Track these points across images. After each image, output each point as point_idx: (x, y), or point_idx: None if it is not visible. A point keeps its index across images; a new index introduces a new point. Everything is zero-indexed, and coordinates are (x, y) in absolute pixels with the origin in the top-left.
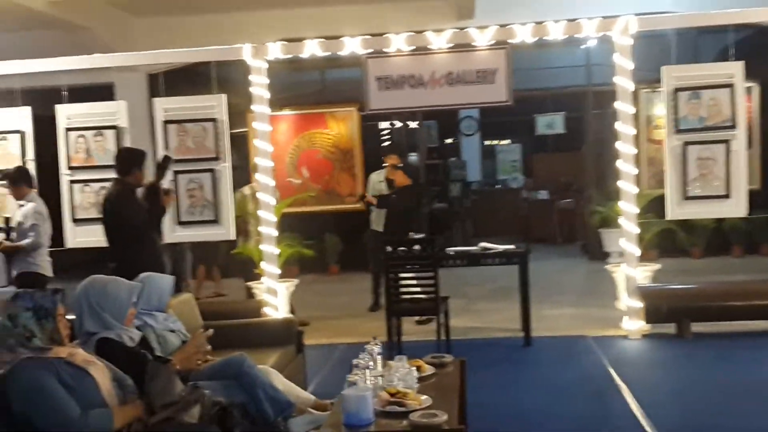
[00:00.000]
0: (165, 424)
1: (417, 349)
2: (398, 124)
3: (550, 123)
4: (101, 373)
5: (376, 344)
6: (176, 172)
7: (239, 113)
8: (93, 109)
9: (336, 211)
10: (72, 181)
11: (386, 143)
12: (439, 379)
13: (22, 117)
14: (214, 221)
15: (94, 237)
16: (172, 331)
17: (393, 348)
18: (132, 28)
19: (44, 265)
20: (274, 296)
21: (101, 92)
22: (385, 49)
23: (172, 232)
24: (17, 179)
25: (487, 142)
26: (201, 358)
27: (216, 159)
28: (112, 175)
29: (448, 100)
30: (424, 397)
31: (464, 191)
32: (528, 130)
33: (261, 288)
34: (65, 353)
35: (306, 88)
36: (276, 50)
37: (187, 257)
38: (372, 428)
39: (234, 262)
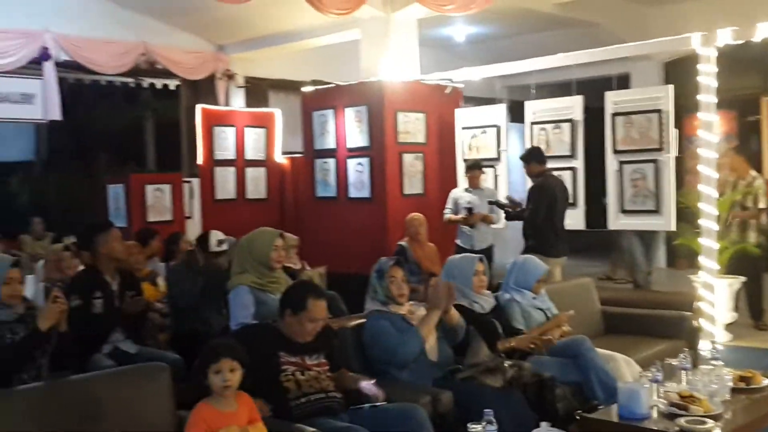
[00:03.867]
0: (468, 382)
1: None
2: None
3: None
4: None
5: (684, 358)
6: (621, 162)
7: (752, 100)
8: (553, 104)
9: None
10: None
11: None
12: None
13: (498, 112)
14: (655, 211)
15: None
16: (540, 309)
17: None
18: (644, 18)
19: None
20: (711, 292)
21: (618, 82)
22: None
23: (616, 220)
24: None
25: None
26: (536, 341)
27: (659, 150)
28: (563, 164)
29: None
30: (721, 407)
31: None
32: None
33: (698, 282)
34: (405, 311)
35: None
36: (726, 37)
37: (635, 245)
38: (643, 423)
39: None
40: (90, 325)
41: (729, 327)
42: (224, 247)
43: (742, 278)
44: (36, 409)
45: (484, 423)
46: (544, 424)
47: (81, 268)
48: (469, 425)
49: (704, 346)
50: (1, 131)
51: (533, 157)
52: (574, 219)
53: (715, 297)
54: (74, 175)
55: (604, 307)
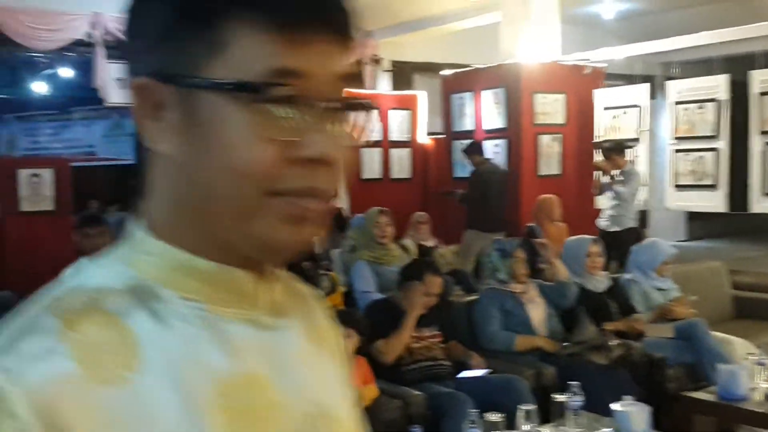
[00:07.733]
0: (573, 359)
1: None
2: None
3: None
4: (538, 308)
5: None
6: (766, 143)
7: None
8: (697, 83)
9: None
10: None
11: None
12: None
13: (640, 92)
14: None
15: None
16: (661, 289)
17: None
18: None
19: None
20: None
21: None
22: None
23: (758, 203)
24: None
25: None
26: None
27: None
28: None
29: None
30: None
31: None
32: None
33: None
34: (519, 289)
35: None
36: None
37: None
38: (741, 404)
39: None
40: None
41: None
42: None
43: None
44: None
45: (569, 394)
46: (626, 398)
47: None
48: (552, 395)
49: None
50: None
51: (474, 151)
52: (715, 201)
53: None
54: None
55: (736, 292)
